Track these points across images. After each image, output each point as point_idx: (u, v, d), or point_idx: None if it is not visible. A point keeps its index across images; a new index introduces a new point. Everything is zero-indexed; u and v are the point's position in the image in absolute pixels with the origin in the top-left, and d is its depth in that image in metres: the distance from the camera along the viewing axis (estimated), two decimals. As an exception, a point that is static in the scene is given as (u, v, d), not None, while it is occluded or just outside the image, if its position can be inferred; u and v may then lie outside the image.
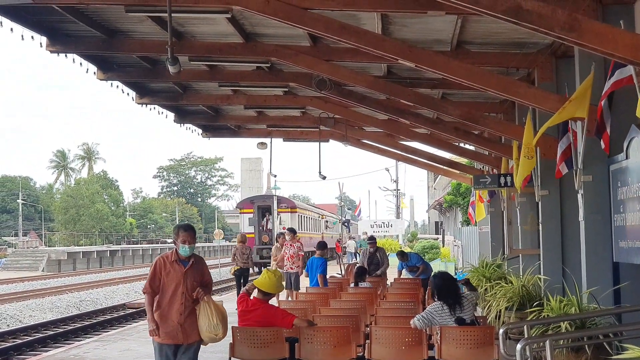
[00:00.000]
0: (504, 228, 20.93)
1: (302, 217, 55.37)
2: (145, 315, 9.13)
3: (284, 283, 15.03)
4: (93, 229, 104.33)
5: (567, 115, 10.35)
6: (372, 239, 21.97)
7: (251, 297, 9.85)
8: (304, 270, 20.31)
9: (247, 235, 26.41)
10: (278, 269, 18.45)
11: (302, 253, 21.31)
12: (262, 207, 48.78)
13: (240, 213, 49.53)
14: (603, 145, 10.00)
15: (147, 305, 8.94)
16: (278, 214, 48.68)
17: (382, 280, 19.87)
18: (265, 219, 48.63)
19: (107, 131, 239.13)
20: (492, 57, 14.92)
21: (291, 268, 20.79)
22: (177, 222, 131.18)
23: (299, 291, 19.19)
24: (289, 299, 19.14)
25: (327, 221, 70.24)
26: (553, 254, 14.54)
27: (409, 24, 13.47)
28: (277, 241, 23.09)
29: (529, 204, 16.71)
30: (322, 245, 19.75)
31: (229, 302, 15.72)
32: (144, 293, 9.00)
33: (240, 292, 10.03)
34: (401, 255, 21.74)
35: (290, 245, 21.19)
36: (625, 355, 6.36)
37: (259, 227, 47.52)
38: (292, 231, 21.99)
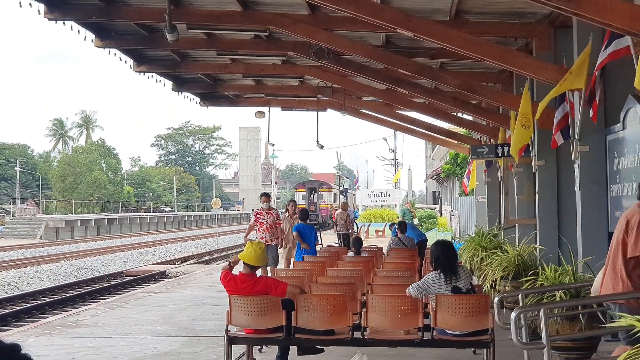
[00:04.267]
0: (500, 198, 20.99)
1: (334, 194, 78.84)
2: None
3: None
4: (91, 197, 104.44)
5: (566, 87, 10.37)
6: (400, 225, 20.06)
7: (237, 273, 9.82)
8: (291, 237, 18.53)
9: (299, 206, 27.72)
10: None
11: (280, 222, 18.67)
12: (310, 188, 72.64)
13: (296, 192, 74.64)
14: (591, 114, 10.04)
15: None
16: (320, 192, 72.03)
17: (379, 249, 19.84)
18: (311, 196, 71.19)
19: (105, 99, 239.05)
20: (490, 26, 14.90)
21: (271, 240, 18.10)
22: (175, 191, 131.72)
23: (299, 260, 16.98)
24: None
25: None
26: (549, 223, 14.62)
27: (408, -7, 13.43)
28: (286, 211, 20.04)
29: (525, 174, 16.77)
30: (305, 213, 18.99)
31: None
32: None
33: (223, 270, 9.95)
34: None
35: (268, 213, 18.35)
36: (618, 324, 6.42)
37: (308, 201, 69.33)
38: (268, 196, 19.13)
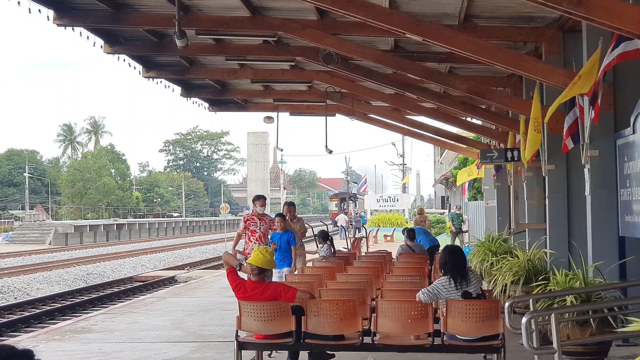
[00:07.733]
0: (510, 202, 20.92)
1: (359, 202, 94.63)
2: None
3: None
4: (100, 203, 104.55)
5: (576, 91, 10.33)
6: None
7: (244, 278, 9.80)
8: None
9: (332, 212, 29.30)
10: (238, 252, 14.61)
11: (276, 228, 15.56)
12: (341, 198, 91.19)
13: (330, 201, 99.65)
14: (593, 115, 10.02)
15: None
16: (348, 201, 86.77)
17: (389, 254, 19.68)
18: (342, 204, 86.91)
19: (113, 105, 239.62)
20: (499, 31, 14.88)
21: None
22: (183, 196, 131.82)
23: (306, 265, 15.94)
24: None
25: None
26: (559, 228, 14.58)
27: (417, -3, 13.42)
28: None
29: (535, 179, 16.72)
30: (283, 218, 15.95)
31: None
32: None
33: (228, 267, 9.92)
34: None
35: (261, 220, 15.35)
36: (629, 329, 6.40)
37: (340, 207, 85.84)
38: (264, 199, 15.73)
